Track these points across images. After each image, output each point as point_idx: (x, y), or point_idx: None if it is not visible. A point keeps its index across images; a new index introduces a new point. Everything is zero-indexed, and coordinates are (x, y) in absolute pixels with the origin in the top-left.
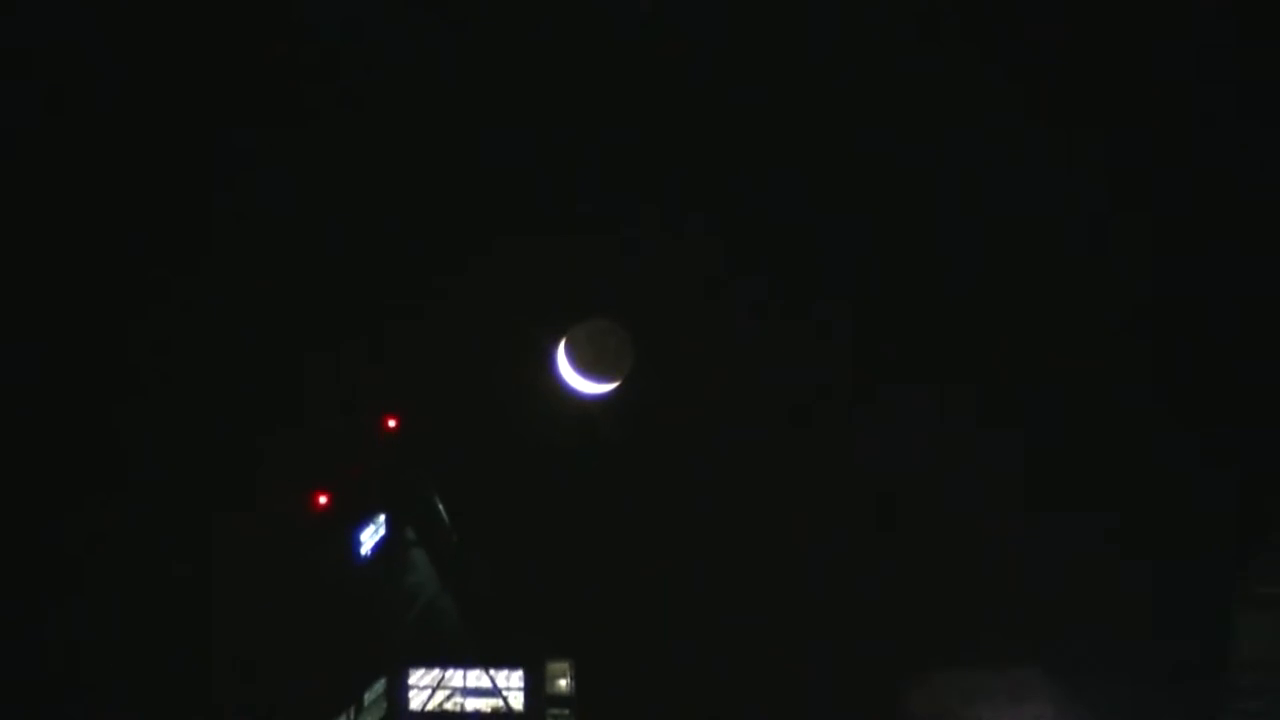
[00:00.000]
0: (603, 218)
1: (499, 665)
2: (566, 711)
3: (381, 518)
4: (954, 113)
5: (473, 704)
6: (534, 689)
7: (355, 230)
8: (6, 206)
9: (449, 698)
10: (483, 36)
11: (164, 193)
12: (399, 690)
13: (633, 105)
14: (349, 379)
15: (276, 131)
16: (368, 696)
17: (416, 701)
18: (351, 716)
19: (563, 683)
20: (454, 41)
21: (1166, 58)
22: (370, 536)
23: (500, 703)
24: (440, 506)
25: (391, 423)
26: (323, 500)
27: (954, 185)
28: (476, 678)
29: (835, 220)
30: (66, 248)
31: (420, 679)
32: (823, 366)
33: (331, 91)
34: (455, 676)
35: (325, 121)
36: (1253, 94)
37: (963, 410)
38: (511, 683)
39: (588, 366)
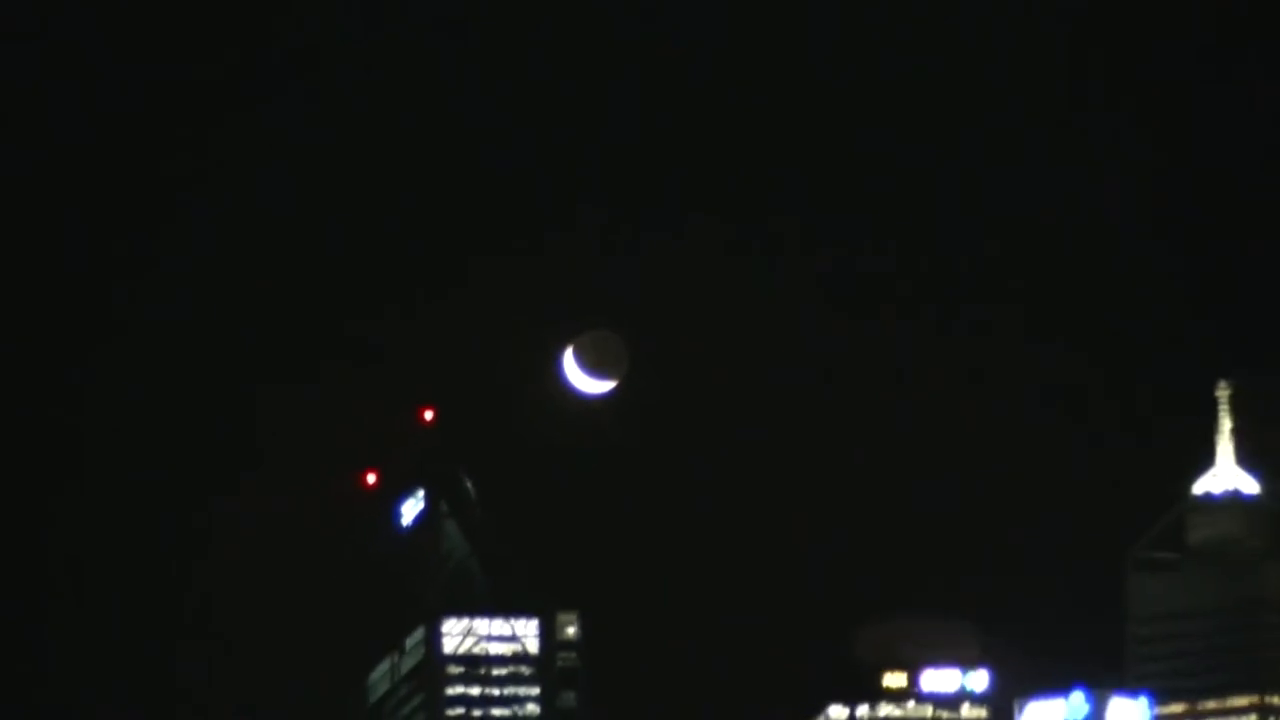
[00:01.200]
0: (603, 217)
1: (517, 616)
2: (574, 654)
3: (420, 493)
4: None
5: (496, 648)
6: (547, 636)
7: (378, 238)
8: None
9: (476, 643)
10: (481, 36)
11: (199, 190)
12: (435, 637)
13: (633, 105)
14: (393, 377)
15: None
16: (408, 642)
17: (449, 646)
18: (396, 659)
19: (571, 630)
20: (454, 42)
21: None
22: (411, 509)
23: (519, 647)
24: (469, 484)
25: (428, 414)
26: (371, 479)
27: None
28: (499, 626)
29: (834, 220)
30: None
31: (452, 628)
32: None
33: (333, 91)
34: (481, 625)
35: (332, 120)
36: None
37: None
38: (528, 630)
39: (591, 369)
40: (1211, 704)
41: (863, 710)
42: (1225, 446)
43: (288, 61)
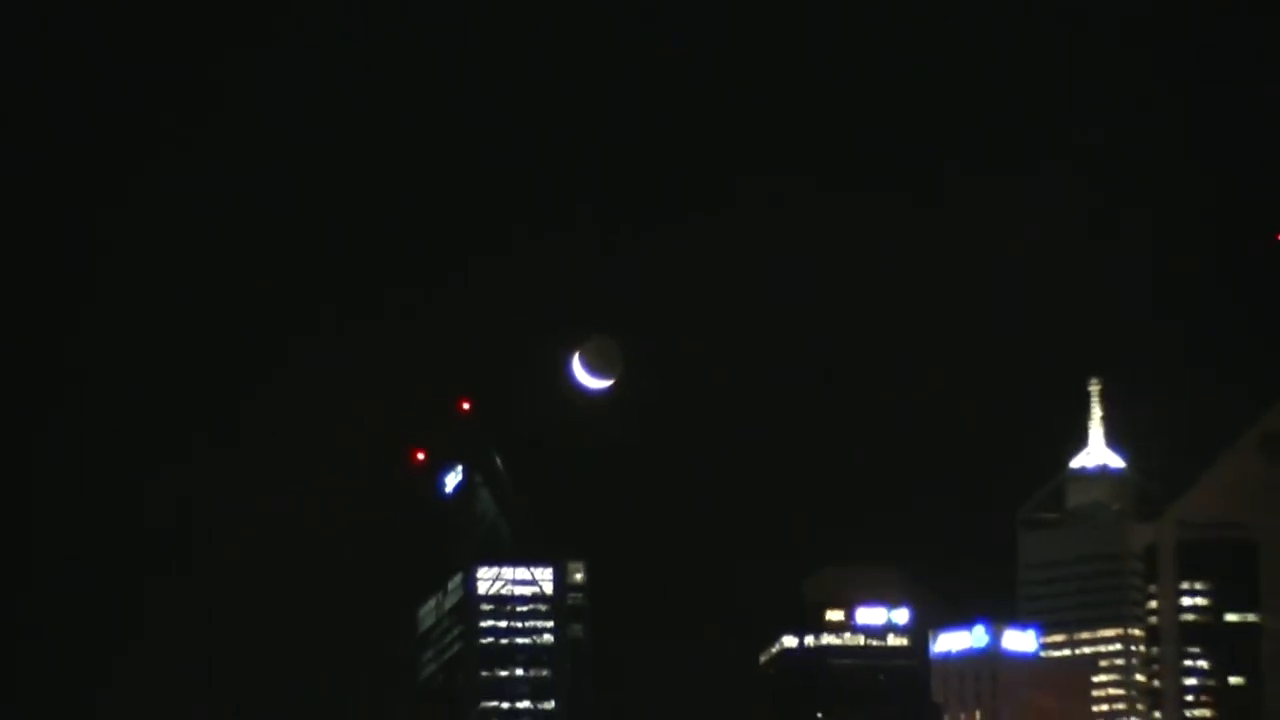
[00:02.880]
0: (603, 217)
1: (536, 564)
2: (581, 595)
3: (459, 468)
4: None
5: (519, 590)
6: (559, 580)
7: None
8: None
9: (503, 586)
10: (481, 36)
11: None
12: (470, 581)
13: (633, 106)
14: (438, 376)
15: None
16: (450, 585)
17: (482, 588)
18: (440, 598)
19: (579, 576)
20: (454, 42)
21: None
22: (452, 480)
23: (538, 589)
24: (498, 461)
25: (466, 405)
26: (421, 456)
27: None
28: (521, 573)
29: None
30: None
31: (484, 574)
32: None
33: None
34: (507, 572)
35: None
36: None
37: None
38: (545, 576)
39: (593, 369)
40: (1085, 635)
41: (810, 639)
42: (1096, 431)
43: (288, 61)
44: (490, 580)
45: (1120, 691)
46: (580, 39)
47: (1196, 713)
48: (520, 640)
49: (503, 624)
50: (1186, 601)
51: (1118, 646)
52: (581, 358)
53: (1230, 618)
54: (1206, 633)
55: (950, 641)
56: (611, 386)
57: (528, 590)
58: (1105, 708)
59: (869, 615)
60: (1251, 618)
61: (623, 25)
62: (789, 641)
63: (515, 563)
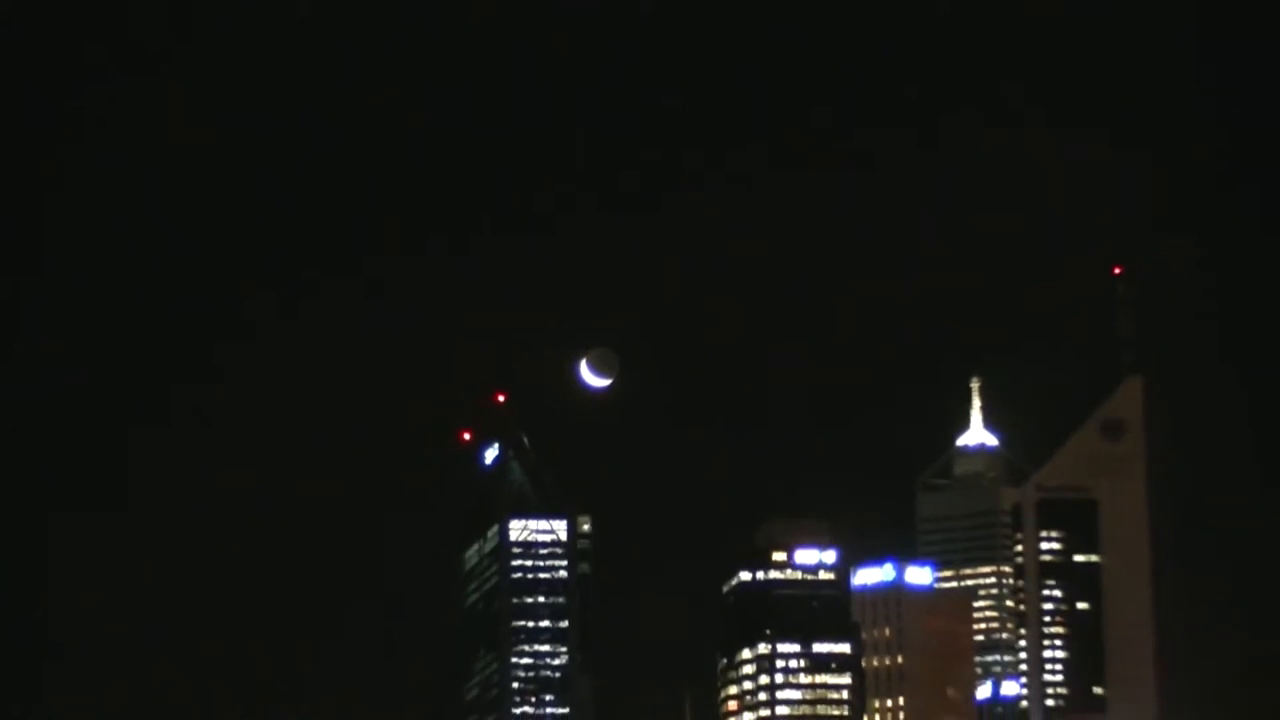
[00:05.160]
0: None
1: (554, 517)
2: (588, 541)
3: (496, 445)
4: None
5: (540, 537)
6: (571, 529)
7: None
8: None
9: (529, 534)
10: (480, 36)
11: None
12: (504, 531)
13: (632, 107)
14: (482, 375)
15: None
16: (489, 533)
17: (513, 536)
18: (481, 544)
19: (586, 527)
20: (454, 41)
21: None
22: (490, 454)
23: (555, 536)
24: (525, 440)
25: (501, 398)
26: (466, 436)
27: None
28: (543, 524)
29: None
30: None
31: (515, 525)
32: None
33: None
34: (532, 524)
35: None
36: None
37: None
38: (560, 527)
39: (596, 371)
40: (968, 571)
41: (760, 574)
42: (976, 417)
43: (288, 62)
44: (519, 530)
45: (995, 614)
46: (580, 38)
47: (1052, 630)
48: (542, 575)
49: (528, 563)
50: (1044, 546)
51: (993, 580)
52: (587, 363)
53: (1078, 558)
54: (1059, 570)
55: (866, 576)
56: (610, 385)
57: (547, 537)
58: (983, 626)
59: (805, 556)
60: (1094, 558)
61: (622, 25)
62: (744, 576)
63: (538, 516)
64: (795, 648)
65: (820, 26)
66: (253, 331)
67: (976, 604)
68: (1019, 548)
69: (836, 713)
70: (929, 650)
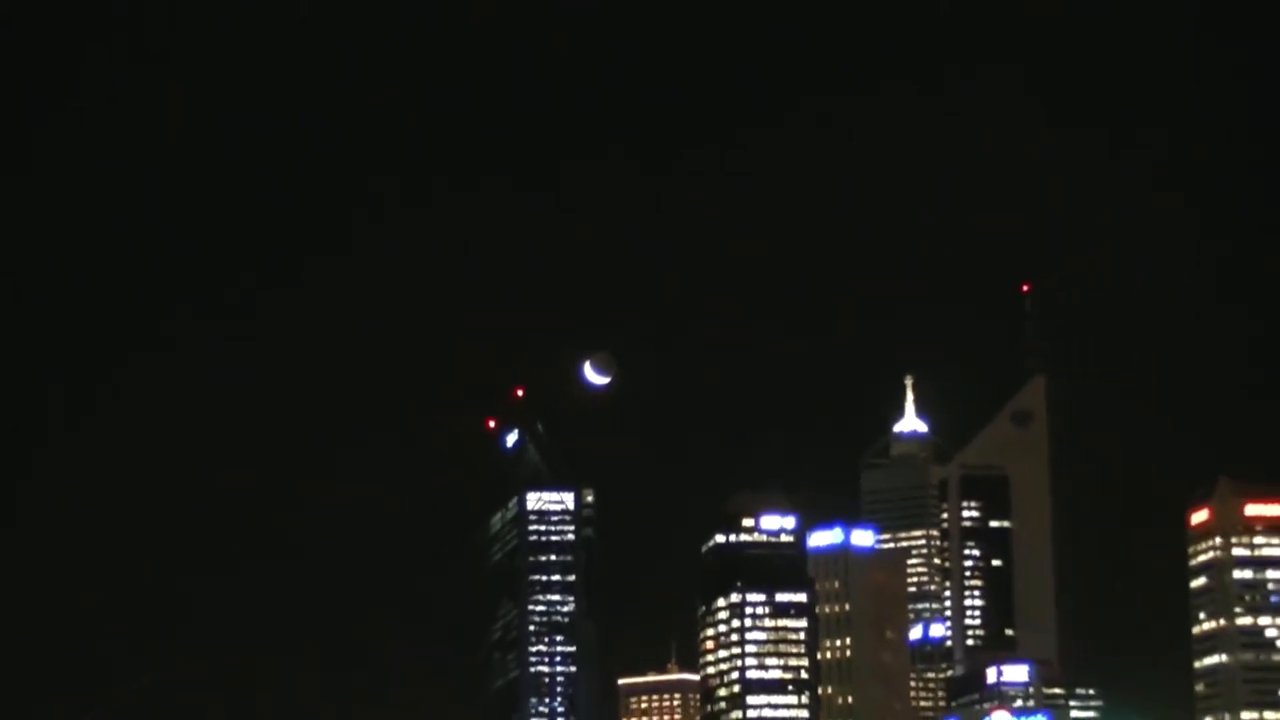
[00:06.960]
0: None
1: (563, 490)
2: (591, 509)
3: (515, 431)
4: None
5: (552, 506)
6: (578, 500)
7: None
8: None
9: (543, 504)
10: (479, 35)
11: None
12: (522, 501)
13: (632, 111)
14: (504, 372)
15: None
16: (510, 503)
17: (530, 506)
18: (504, 513)
19: (590, 498)
20: (452, 41)
21: None
22: (511, 439)
23: (564, 506)
24: (540, 427)
25: (520, 392)
26: (491, 424)
27: None
28: (554, 495)
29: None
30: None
31: (531, 497)
32: None
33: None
34: (545, 495)
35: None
36: None
37: None
38: (569, 498)
39: (598, 370)
40: (903, 534)
41: (731, 537)
42: (909, 408)
43: (288, 62)
44: (535, 500)
45: (925, 570)
46: (579, 39)
47: (972, 583)
48: (554, 538)
49: (543, 528)
50: (965, 514)
51: (923, 542)
52: (591, 363)
53: (993, 524)
54: (978, 534)
55: (820, 538)
56: (609, 383)
57: (558, 507)
58: (915, 580)
59: (769, 522)
60: (1006, 524)
61: (622, 25)
62: (719, 538)
63: (551, 489)
64: (761, 597)
65: (820, 27)
66: (253, 331)
67: (910, 561)
68: (945, 515)
69: (796, 650)
70: (871, 599)
